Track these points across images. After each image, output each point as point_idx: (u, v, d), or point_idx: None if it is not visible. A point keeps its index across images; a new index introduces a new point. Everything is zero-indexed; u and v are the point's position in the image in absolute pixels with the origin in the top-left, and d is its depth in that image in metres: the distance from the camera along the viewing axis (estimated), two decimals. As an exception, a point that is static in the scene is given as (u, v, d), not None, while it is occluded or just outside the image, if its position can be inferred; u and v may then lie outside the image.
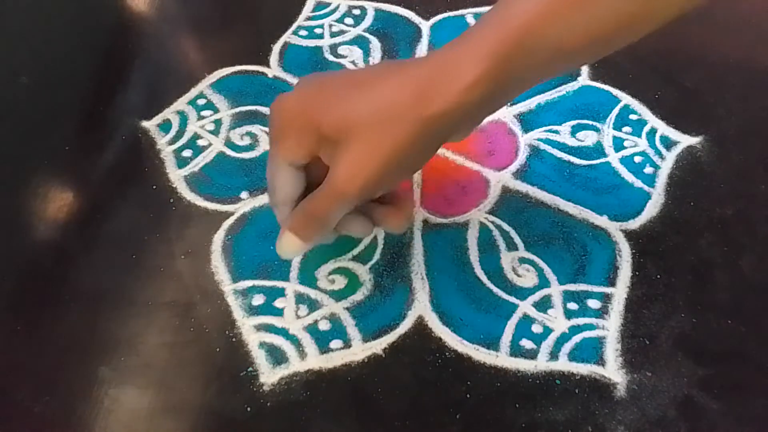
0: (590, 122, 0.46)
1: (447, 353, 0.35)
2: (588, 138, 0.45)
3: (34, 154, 0.45)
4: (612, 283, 0.38)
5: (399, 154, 0.29)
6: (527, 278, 0.38)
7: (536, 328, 0.36)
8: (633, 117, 0.47)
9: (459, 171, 0.44)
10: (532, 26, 0.28)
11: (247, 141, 0.46)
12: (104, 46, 0.54)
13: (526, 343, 0.35)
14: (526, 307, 0.37)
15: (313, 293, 0.38)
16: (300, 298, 0.37)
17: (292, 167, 0.32)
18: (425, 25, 0.54)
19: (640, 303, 0.37)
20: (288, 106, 0.31)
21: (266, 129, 0.46)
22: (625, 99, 0.48)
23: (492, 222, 0.41)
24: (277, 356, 0.35)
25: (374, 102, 0.29)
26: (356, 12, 0.56)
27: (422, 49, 0.52)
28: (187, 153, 0.45)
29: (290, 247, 0.33)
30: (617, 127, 0.46)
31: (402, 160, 0.30)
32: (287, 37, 0.53)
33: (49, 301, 0.37)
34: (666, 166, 0.44)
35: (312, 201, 0.32)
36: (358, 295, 0.37)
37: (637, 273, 0.38)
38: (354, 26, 0.54)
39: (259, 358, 0.35)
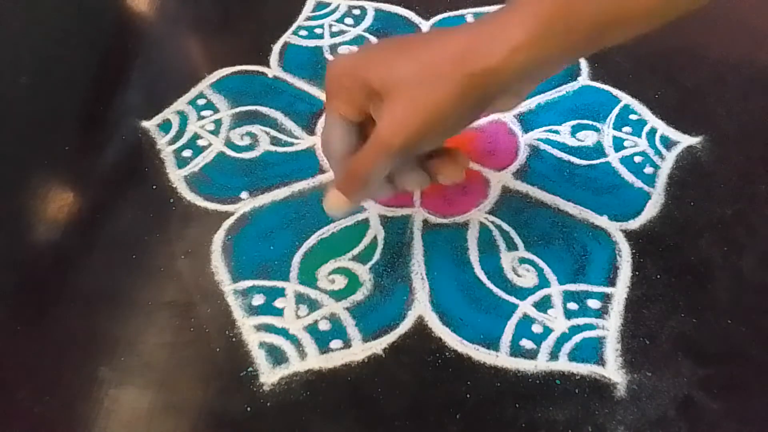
0: (590, 122, 0.46)
1: (447, 353, 0.35)
2: (588, 138, 0.45)
3: (34, 154, 0.45)
4: (612, 283, 0.38)
5: (441, 109, 0.30)
6: (527, 278, 0.38)
7: (536, 328, 0.36)
8: (633, 117, 0.47)
9: (459, 171, 0.44)
10: None
11: (247, 141, 0.46)
12: (104, 46, 0.54)
13: (526, 343, 0.35)
14: (526, 307, 0.37)
15: (313, 293, 0.38)
16: (300, 298, 0.37)
17: (344, 123, 0.33)
18: (425, 25, 0.54)
19: (640, 303, 0.37)
20: (340, 65, 0.33)
21: (266, 129, 0.46)
22: (625, 99, 0.48)
23: (492, 222, 0.41)
24: (277, 356, 0.35)
25: (419, 59, 0.30)
26: (356, 12, 0.56)
27: (422, 49, 0.52)
28: (187, 153, 0.45)
29: (336, 204, 0.34)
30: (617, 127, 0.46)
31: (444, 117, 0.30)
32: (287, 37, 0.53)
33: (49, 301, 0.37)
34: (666, 166, 0.44)
35: (356, 157, 0.33)
36: (358, 295, 0.37)
37: (637, 273, 0.38)
38: (354, 26, 0.54)
39: (259, 358, 0.35)
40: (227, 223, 0.41)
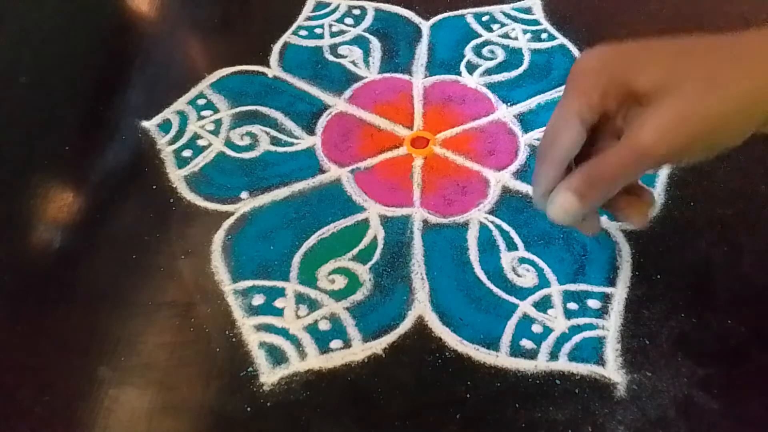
0: (590, 122, 0.46)
1: (447, 353, 0.35)
2: (588, 138, 0.45)
3: (34, 154, 0.45)
4: (612, 283, 0.38)
5: (722, 122, 0.28)
6: (527, 278, 0.38)
7: (536, 328, 0.36)
8: (633, 117, 0.47)
9: (459, 171, 0.44)
10: None
11: (247, 141, 0.46)
12: (104, 46, 0.54)
13: (526, 343, 0.35)
14: (526, 307, 0.37)
15: (313, 293, 0.38)
16: (300, 298, 0.37)
17: (579, 123, 0.31)
18: (425, 25, 0.54)
19: (640, 303, 0.37)
20: (595, 60, 0.31)
21: (266, 129, 0.46)
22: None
23: (492, 222, 0.41)
24: (277, 356, 0.35)
25: (705, 65, 0.28)
26: (356, 12, 0.56)
27: (422, 49, 0.52)
28: (187, 153, 0.45)
29: (568, 208, 0.31)
30: (617, 127, 0.46)
31: (722, 131, 0.28)
32: (287, 37, 0.53)
33: (49, 301, 0.37)
34: (666, 166, 0.44)
35: (603, 161, 0.30)
36: (358, 295, 0.37)
37: (637, 273, 0.38)
38: (354, 26, 0.54)
39: (259, 358, 0.35)
40: (227, 223, 0.41)
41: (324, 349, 0.35)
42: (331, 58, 0.52)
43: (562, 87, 0.48)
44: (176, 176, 0.44)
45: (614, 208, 0.33)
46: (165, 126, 0.47)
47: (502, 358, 0.35)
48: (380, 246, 0.40)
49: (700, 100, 0.28)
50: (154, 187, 0.43)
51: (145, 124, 0.47)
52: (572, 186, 0.31)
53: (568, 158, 0.32)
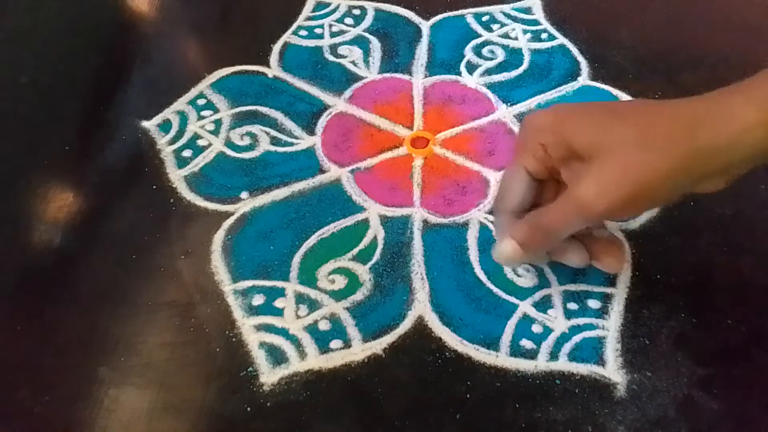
0: (590, 122, 0.46)
1: (447, 353, 0.35)
2: (588, 138, 0.45)
3: (34, 154, 0.45)
4: (612, 283, 0.38)
5: (656, 179, 0.29)
6: (527, 278, 0.38)
7: (536, 328, 0.36)
8: (633, 117, 0.47)
9: (459, 171, 0.44)
10: None
11: (247, 141, 0.46)
12: (104, 46, 0.54)
13: (526, 343, 0.35)
14: (526, 307, 0.37)
15: (313, 293, 0.38)
16: (300, 298, 0.37)
17: (528, 178, 0.34)
18: (425, 25, 0.54)
19: (640, 303, 0.37)
20: (541, 121, 0.33)
21: (266, 129, 0.46)
22: (625, 99, 0.48)
23: (492, 222, 0.41)
24: (277, 356, 0.35)
25: (639, 126, 0.30)
26: (356, 12, 0.56)
27: (422, 49, 0.52)
28: (187, 153, 0.45)
29: (510, 254, 0.34)
30: (617, 127, 0.46)
31: (657, 187, 0.30)
32: (287, 37, 0.53)
33: (49, 301, 0.37)
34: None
35: (547, 213, 0.33)
36: (358, 295, 0.37)
37: (637, 273, 0.38)
38: (354, 26, 0.54)
39: (259, 358, 0.35)
40: (227, 223, 0.41)
41: (324, 349, 0.35)
42: (331, 58, 0.52)
43: (562, 87, 0.49)
44: (176, 176, 0.44)
45: (590, 252, 0.35)
46: (165, 126, 0.47)
47: (502, 358, 0.35)
48: (380, 246, 0.40)
49: (636, 158, 0.29)
50: (154, 187, 0.43)
51: (145, 124, 0.47)
52: (517, 235, 0.33)
53: (520, 208, 0.35)
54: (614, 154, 0.30)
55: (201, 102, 0.48)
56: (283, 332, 0.36)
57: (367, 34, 0.54)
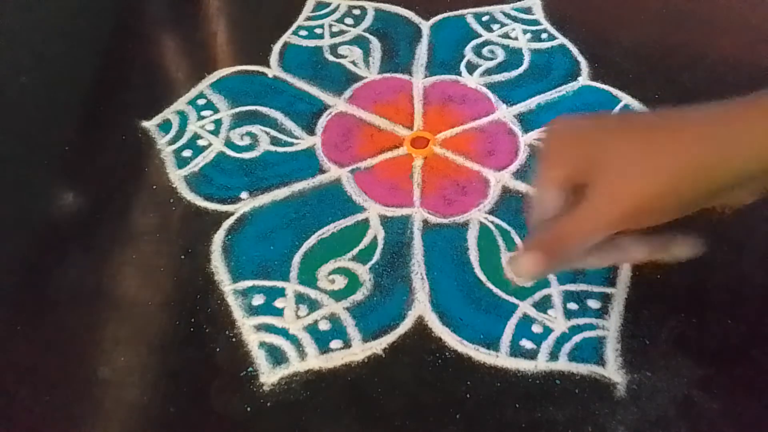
0: (590, 122, 0.46)
1: (447, 353, 0.35)
2: (588, 138, 0.45)
3: (34, 154, 0.45)
4: (612, 283, 0.38)
5: (658, 193, 0.29)
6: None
7: (536, 328, 0.36)
8: (633, 117, 0.47)
9: (459, 171, 0.44)
10: None
11: (247, 141, 0.46)
12: (104, 46, 0.54)
13: (526, 343, 0.35)
14: (526, 307, 0.37)
15: (313, 293, 0.38)
16: (300, 298, 0.37)
17: (558, 192, 0.33)
18: (425, 25, 0.54)
19: (640, 303, 0.37)
20: (566, 136, 0.33)
21: (266, 129, 0.46)
22: (625, 99, 0.48)
23: (492, 222, 0.41)
24: (277, 356, 0.35)
25: (653, 137, 0.30)
26: (356, 12, 0.56)
27: (422, 49, 0.52)
28: (187, 153, 0.45)
29: (531, 268, 0.32)
30: (617, 127, 0.46)
31: (661, 201, 0.30)
32: (287, 37, 0.53)
33: (49, 301, 0.37)
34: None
35: (564, 224, 0.32)
36: (358, 295, 0.37)
37: (637, 273, 0.38)
38: (354, 26, 0.54)
39: (259, 358, 0.35)
40: (227, 223, 0.41)
41: (324, 349, 0.35)
42: (331, 58, 0.52)
43: (562, 87, 0.49)
44: (176, 176, 0.44)
45: (661, 252, 0.34)
46: (165, 126, 0.47)
47: (502, 358, 0.35)
48: (380, 246, 0.40)
49: (653, 167, 0.29)
50: (154, 187, 0.43)
51: (145, 124, 0.47)
52: (536, 247, 0.32)
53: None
54: (617, 167, 0.30)
55: (201, 102, 0.48)
56: (283, 332, 0.36)
57: (367, 34, 0.54)
